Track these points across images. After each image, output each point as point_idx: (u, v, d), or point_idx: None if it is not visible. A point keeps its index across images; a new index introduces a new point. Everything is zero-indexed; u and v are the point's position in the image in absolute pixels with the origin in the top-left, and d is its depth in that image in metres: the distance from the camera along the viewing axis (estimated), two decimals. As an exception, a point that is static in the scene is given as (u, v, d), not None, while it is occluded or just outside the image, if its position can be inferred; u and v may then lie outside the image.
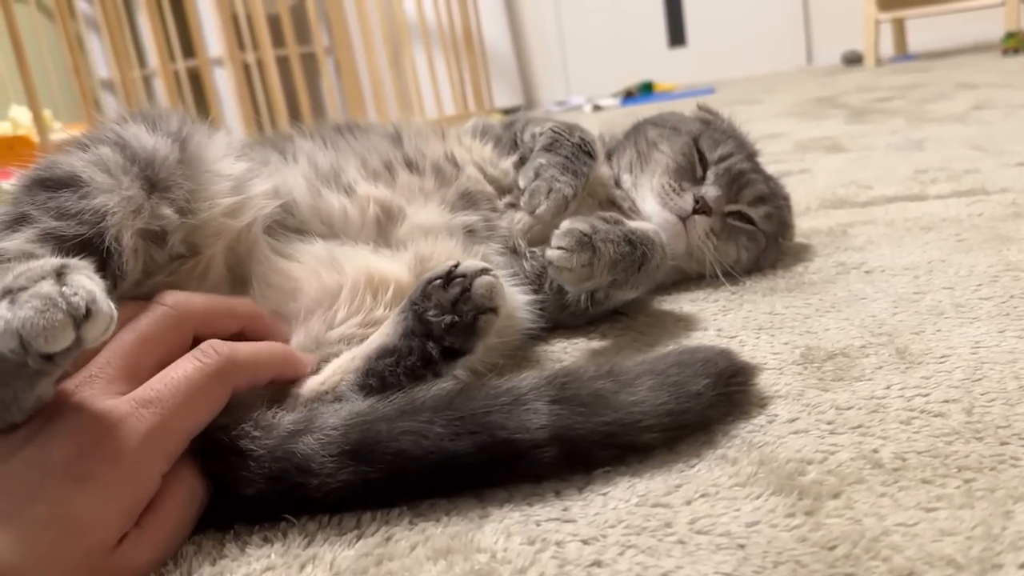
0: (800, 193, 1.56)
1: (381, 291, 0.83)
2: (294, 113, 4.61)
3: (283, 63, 4.74)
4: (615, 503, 0.61)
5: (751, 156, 1.13)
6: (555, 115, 4.58)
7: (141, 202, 0.71)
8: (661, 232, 0.99)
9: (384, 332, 0.76)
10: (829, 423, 0.68)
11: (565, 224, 0.87)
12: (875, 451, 0.63)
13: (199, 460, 0.64)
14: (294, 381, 0.74)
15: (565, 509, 0.61)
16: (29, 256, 0.62)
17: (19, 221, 0.66)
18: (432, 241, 0.90)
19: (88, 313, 0.53)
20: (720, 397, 0.70)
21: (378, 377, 0.72)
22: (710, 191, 1.03)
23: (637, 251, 0.91)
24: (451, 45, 4.83)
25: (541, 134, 1.04)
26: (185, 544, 0.62)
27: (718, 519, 0.57)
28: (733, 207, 1.06)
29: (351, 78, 3.22)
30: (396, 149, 0.99)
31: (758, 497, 0.59)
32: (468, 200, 0.98)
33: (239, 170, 0.82)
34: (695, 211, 1.02)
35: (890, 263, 1.07)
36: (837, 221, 1.33)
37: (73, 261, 0.57)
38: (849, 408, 0.70)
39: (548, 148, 1.01)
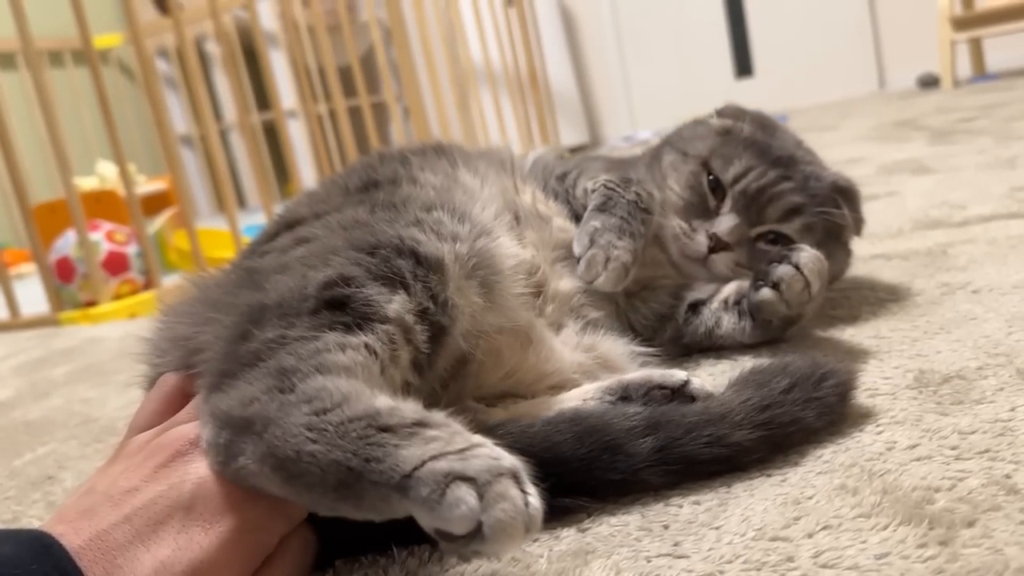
0: (891, 215, 1.51)
1: (563, 391, 0.80)
2: (365, 160, 4.69)
3: (354, 112, 4.86)
4: (730, 537, 0.58)
5: (777, 161, 0.97)
6: (622, 151, 4.58)
7: (476, 314, 0.72)
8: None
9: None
10: (953, 448, 0.64)
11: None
12: (1008, 476, 0.59)
13: None
14: None
15: (676, 544, 0.58)
16: (401, 324, 0.63)
17: (395, 283, 0.65)
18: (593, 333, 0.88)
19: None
20: (815, 402, 0.69)
21: None
22: (722, 224, 0.93)
23: None
24: (516, 86, 4.87)
25: (594, 191, 0.96)
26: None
27: (844, 552, 0.54)
28: (760, 229, 0.95)
29: (420, 123, 3.26)
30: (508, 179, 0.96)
31: (885, 528, 0.55)
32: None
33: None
34: (711, 250, 0.94)
35: (997, 282, 1.01)
36: (935, 241, 1.27)
37: (519, 463, 0.50)
38: (973, 432, 0.66)
39: (601, 208, 0.93)
